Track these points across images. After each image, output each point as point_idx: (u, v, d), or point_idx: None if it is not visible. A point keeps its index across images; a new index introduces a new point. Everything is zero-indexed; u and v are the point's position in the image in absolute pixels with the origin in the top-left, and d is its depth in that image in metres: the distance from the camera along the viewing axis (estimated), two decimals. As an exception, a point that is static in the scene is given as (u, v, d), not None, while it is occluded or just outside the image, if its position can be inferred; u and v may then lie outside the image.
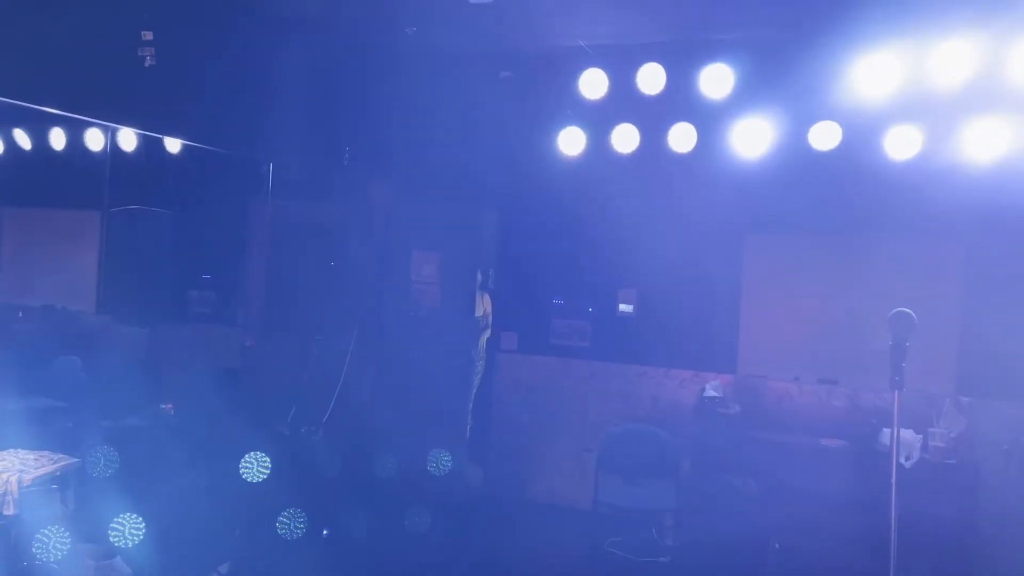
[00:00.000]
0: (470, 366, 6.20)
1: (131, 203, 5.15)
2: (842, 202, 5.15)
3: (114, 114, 4.65)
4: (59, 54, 4.24)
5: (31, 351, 6.45)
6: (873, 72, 4.60)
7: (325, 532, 4.70)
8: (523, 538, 5.48)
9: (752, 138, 5.08)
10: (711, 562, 4.83)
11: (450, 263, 6.36)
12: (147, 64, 4.29)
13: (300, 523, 4.51)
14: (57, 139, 6.36)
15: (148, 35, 4.33)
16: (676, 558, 5.01)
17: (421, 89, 5.85)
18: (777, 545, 4.53)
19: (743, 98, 5.00)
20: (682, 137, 5.27)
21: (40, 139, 6.51)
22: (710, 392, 5.21)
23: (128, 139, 5.75)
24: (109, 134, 5.34)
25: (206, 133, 5.08)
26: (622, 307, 5.89)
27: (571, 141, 5.57)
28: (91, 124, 5.57)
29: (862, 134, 4.84)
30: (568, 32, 5.16)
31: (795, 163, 5.04)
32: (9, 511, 3.38)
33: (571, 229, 5.91)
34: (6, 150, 6.86)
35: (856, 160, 4.88)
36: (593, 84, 5.33)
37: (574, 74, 5.36)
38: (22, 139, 6.72)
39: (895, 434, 2.62)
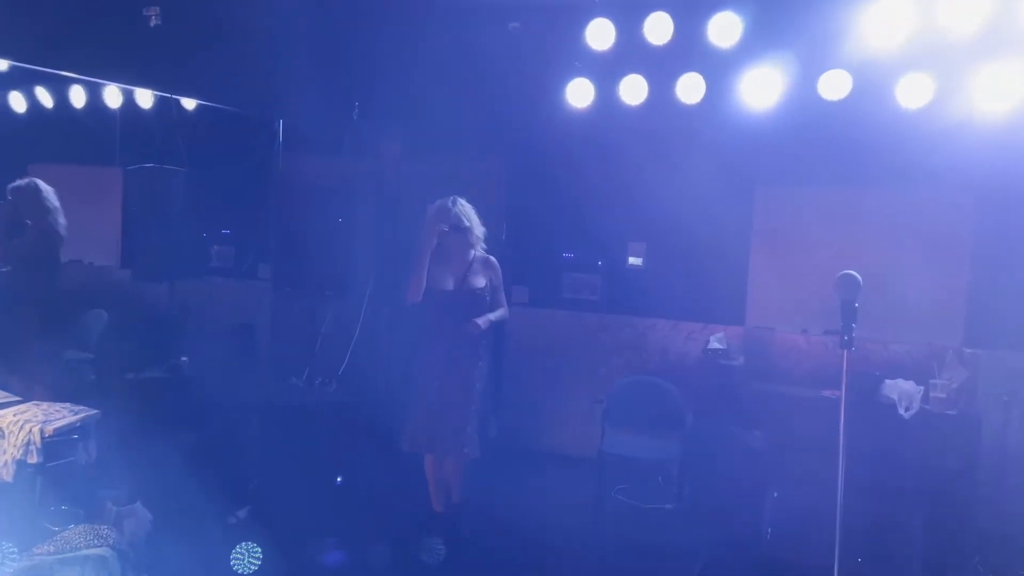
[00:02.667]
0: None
1: (146, 161, 5.25)
2: (852, 153, 5.09)
3: (125, 75, 4.71)
4: (69, 16, 4.30)
5: (60, 305, 6.68)
6: (884, 19, 4.50)
7: (339, 479, 4.87)
8: (534, 487, 5.62)
9: (761, 88, 5.01)
10: (715, 509, 4.93)
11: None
12: (152, 24, 4.33)
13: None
14: (75, 98, 6.49)
15: (154, -6, 4.38)
16: (681, 505, 5.11)
17: (429, 42, 5.83)
18: (773, 497, 4.60)
19: (752, 47, 4.92)
20: (690, 88, 5.22)
21: (60, 99, 6.64)
22: (714, 344, 5.25)
23: (141, 98, 5.86)
24: (123, 94, 5.44)
25: (216, 91, 5.15)
26: (632, 260, 5.92)
27: (579, 93, 5.54)
28: (104, 84, 5.67)
29: (873, 83, 4.75)
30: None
31: (805, 113, 4.98)
32: (33, 459, 3.57)
33: (581, 182, 5.91)
34: (29, 110, 7.02)
35: (867, 110, 4.81)
36: (600, 35, 5.28)
37: (581, 25, 5.31)
38: (44, 98, 6.87)
39: (843, 394, 2.66)
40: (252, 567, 3.75)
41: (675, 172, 5.52)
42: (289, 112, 5.68)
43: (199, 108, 5.57)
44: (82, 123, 6.66)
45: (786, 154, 5.24)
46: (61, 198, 7.95)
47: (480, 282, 4.24)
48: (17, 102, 7.07)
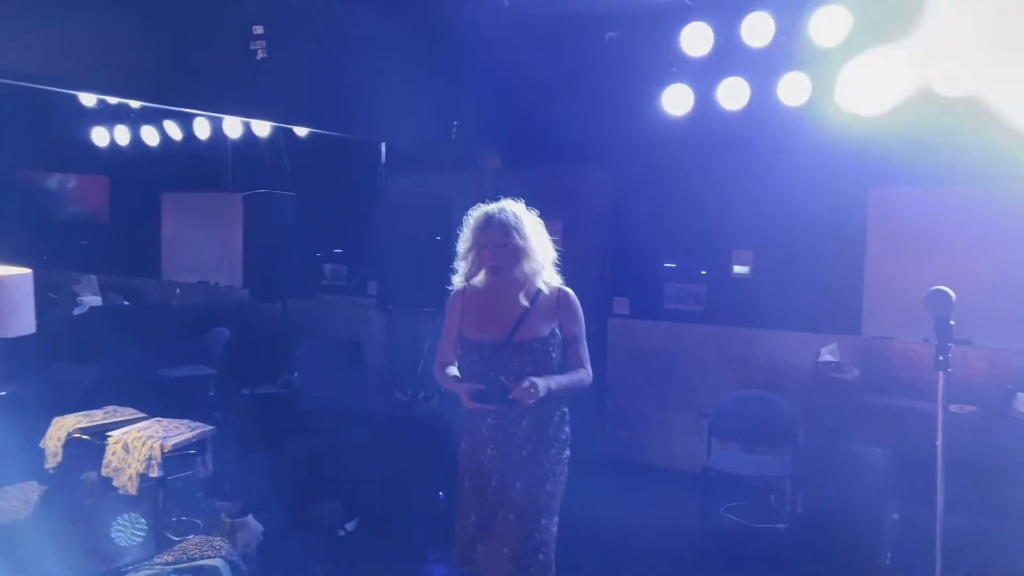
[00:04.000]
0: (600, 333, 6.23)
1: (259, 187, 5.52)
2: (978, 150, 4.73)
3: (237, 107, 4.98)
4: (186, 57, 4.57)
5: (188, 324, 7.15)
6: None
7: (441, 494, 4.94)
8: (640, 502, 5.52)
9: (871, 86, 4.74)
10: (830, 530, 4.67)
11: (572, 231, 6.39)
12: (259, 57, 4.55)
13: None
14: (199, 130, 6.93)
15: (259, 29, 4.60)
16: (794, 525, 4.88)
17: (525, 55, 5.87)
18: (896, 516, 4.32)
19: (859, 43, 4.67)
20: (794, 89, 5.01)
21: (187, 132, 7.10)
22: (825, 356, 4.99)
23: (256, 128, 6.19)
24: (241, 126, 5.75)
25: (320, 118, 5.35)
26: (737, 269, 5.73)
27: (677, 99, 5.42)
28: (218, 117, 6.02)
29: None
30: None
31: (921, 110, 4.66)
32: (154, 473, 3.81)
33: (682, 190, 5.77)
34: (160, 143, 7.54)
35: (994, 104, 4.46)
36: (697, 39, 5.15)
37: (676, 30, 5.20)
38: (173, 132, 7.37)
39: (940, 419, 2.46)
40: (133, 540, 3.83)
41: (781, 176, 5.31)
42: (390, 134, 5.84)
43: (306, 134, 5.81)
44: (205, 153, 7.10)
45: (902, 153, 4.93)
46: (191, 222, 8.53)
47: (542, 329, 2.80)
48: (150, 136, 7.62)
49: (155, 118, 7.36)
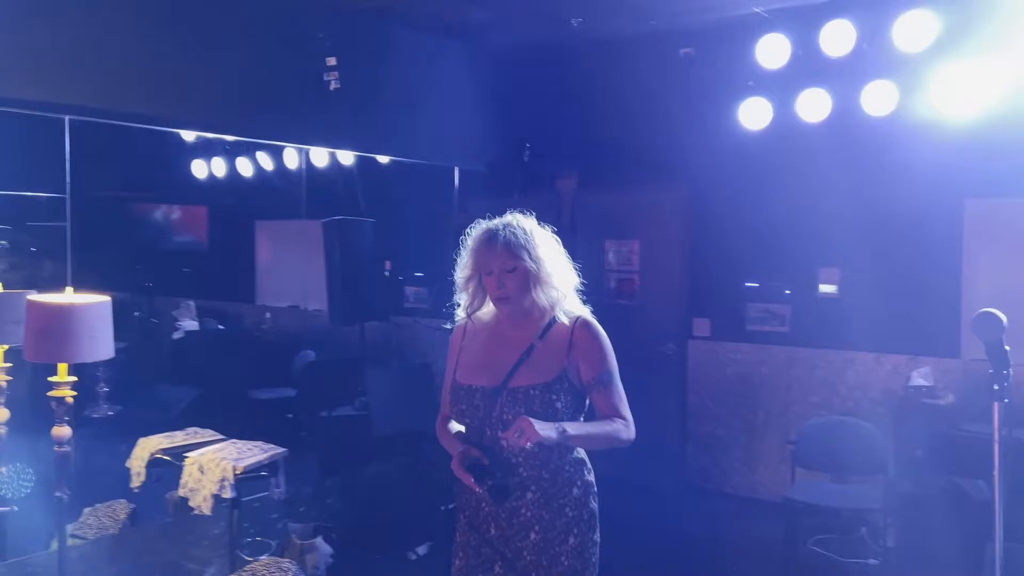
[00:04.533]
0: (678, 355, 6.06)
1: (343, 213, 5.67)
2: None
3: (312, 137, 5.14)
4: (264, 91, 4.74)
5: (278, 347, 7.39)
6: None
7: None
8: (723, 531, 5.30)
9: (963, 93, 4.46)
10: (928, 566, 4.36)
11: (650, 251, 6.28)
12: (332, 88, 4.67)
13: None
14: (288, 161, 7.19)
15: (332, 61, 4.73)
16: (886, 561, 4.58)
17: (597, 76, 5.83)
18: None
19: (948, 48, 4.41)
20: (879, 98, 4.77)
21: (277, 162, 7.38)
22: (917, 381, 4.68)
23: (329, 157, 6.37)
24: (303, 154, 5.94)
25: (394, 145, 5.45)
26: (823, 288, 5.45)
27: (755, 113, 5.25)
28: (304, 148, 6.22)
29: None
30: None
31: (1020, 117, 4.35)
32: (227, 494, 3.91)
33: (762, 206, 5.56)
34: (254, 173, 7.87)
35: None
36: (774, 51, 4.99)
37: (752, 43, 5.04)
38: (265, 163, 7.68)
39: (996, 454, 2.22)
40: (19, 492, 3.81)
41: (867, 190, 5.05)
42: (463, 158, 5.89)
43: (383, 161, 5.93)
44: (294, 182, 7.36)
45: (1001, 162, 4.60)
46: (282, 249, 8.83)
47: (546, 371, 2.19)
48: (244, 167, 7.97)
49: (248, 150, 7.69)
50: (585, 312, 2.32)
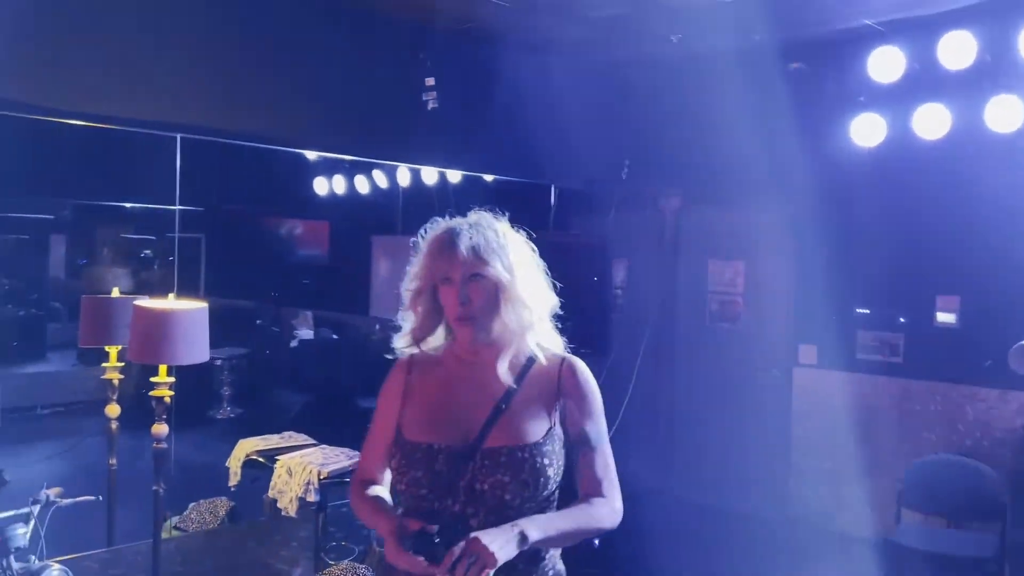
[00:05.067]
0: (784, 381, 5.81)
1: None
2: None
3: (412, 155, 5.29)
4: (370, 111, 4.93)
5: (383, 357, 7.62)
6: None
7: (596, 542, 4.80)
8: (824, 570, 5.01)
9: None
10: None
11: (754, 272, 6.06)
12: (430, 108, 4.80)
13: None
14: (401, 179, 7.44)
15: (430, 81, 4.86)
16: (1004, 618, 4.18)
17: (701, 92, 5.70)
18: None
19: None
20: (1004, 113, 4.41)
21: (390, 179, 7.65)
22: (1040, 421, 4.26)
23: (438, 175, 6.54)
24: (414, 172, 6.12)
25: (491, 163, 5.53)
26: (942, 317, 5.07)
27: (867, 130, 4.98)
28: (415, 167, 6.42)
29: None
30: (853, 11, 4.63)
31: None
32: (311, 498, 4.05)
33: (874, 228, 5.24)
34: (370, 190, 8.19)
35: None
36: (887, 64, 4.72)
37: (863, 56, 4.79)
38: (380, 181, 7.99)
39: None
40: None
41: (991, 212, 4.67)
42: (560, 175, 5.90)
43: (476, 180, 6.03)
44: (408, 198, 7.60)
45: None
46: (396, 263, 9.13)
47: (533, 426, 1.72)
48: (361, 184, 8.31)
49: (365, 168, 8.03)
50: (562, 347, 1.87)
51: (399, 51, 4.89)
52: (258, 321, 8.90)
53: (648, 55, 5.25)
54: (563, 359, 1.83)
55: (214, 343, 8.78)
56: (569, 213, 6.04)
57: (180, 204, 5.59)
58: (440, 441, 1.69)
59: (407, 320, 1.82)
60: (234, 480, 4.54)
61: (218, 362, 8.10)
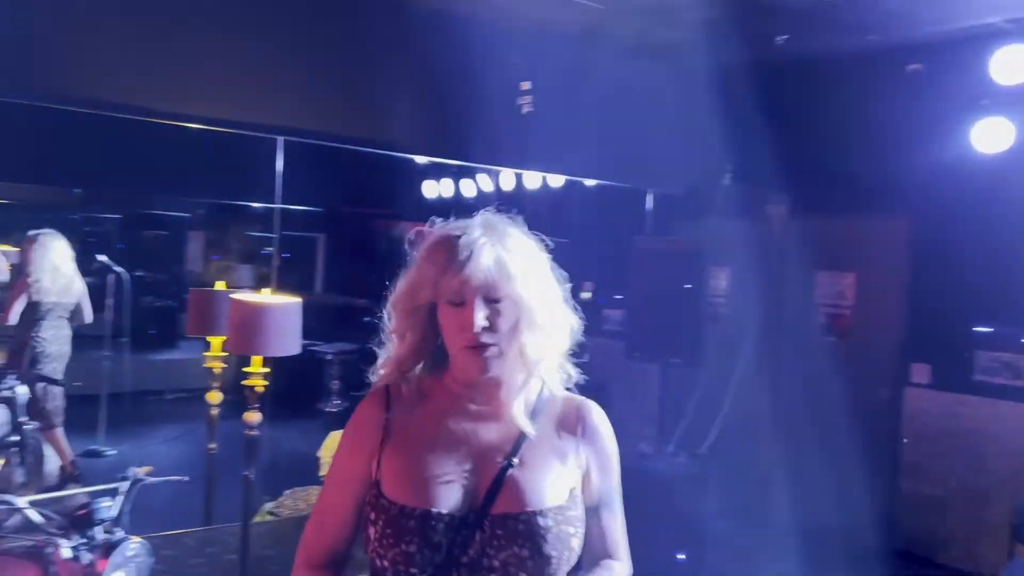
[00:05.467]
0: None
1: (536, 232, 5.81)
2: None
3: (507, 159, 5.32)
4: (466, 117, 5.01)
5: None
6: None
7: (681, 556, 4.68)
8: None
9: None
10: None
11: (866, 286, 5.76)
12: (524, 112, 4.83)
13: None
14: (504, 183, 7.51)
15: (525, 85, 4.89)
16: None
17: (809, 96, 5.47)
18: None
19: None
20: None
21: (495, 183, 7.74)
22: None
23: (542, 180, 6.55)
24: (518, 176, 6.15)
25: (587, 168, 5.50)
26: (1073, 338, 4.65)
27: (992, 135, 4.63)
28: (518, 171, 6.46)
29: None
30: (975, 8, 4.33)
31: None
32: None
33: (998, 240, 4.86)
34: (476, 194, 8.32)
35: None
36: (1013, 65, 4.38)
37: (986, 57, 4.46)
38: (485, 184, 8.10)
39: None
40: None
41: None
42: (657, 181, 5.79)
43: (576, 184, 6.01)
44: (512, 202, 7.65)
45: None
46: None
47: (553, 486, 1.40)
48: (467, 188, 8.46)
49: (470, 173, 8.16)
50: (575, 380, 1.52)
51: (497, 55, 4.92)
52: (365, 319, 9.19)
53: (752, 57, 5.08)
54: (580, 402, 1.51)
55: (326, 338, 9.13)
56: (667, 219, 5.92)
57: (289, 204, 5.85)
58: (438, 505, 1.33)
59: (392, 345, 1.46)
60: (323, 470, 4.71)
61: (329, 357, 8.42)
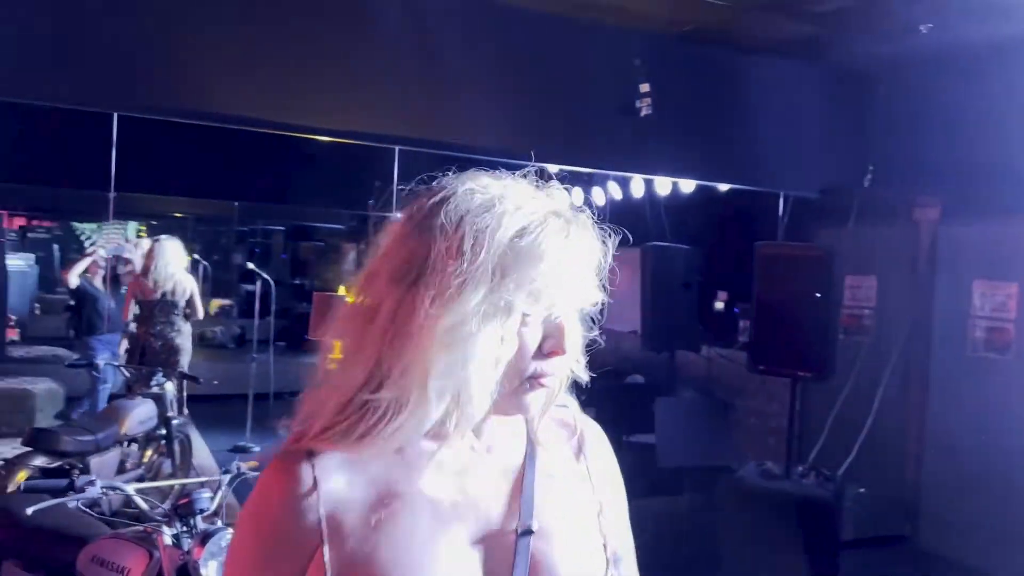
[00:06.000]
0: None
1: (672, 239, 5.70)
2: None
3: (629, 164, 5.22)
4: (582, 121, 4.96)
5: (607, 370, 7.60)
6: None
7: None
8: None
9: None
10: None
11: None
12: (642, 114, 4.72)
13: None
14: (634, 190, 7.38)
15: (645, 87, 4.77)
16: None
17: (956, 89, 5.01)
18: None
19: None
20: None
21: (624, 191, 7.62)
22: None
23: (672, 184, 6.36)
24: (648, 182, 6.01)
25: (714, 171, 5.30)
26: None
27: None
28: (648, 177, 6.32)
29: None
30: None
31: None
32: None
33: None
34: (606, 202, 8.21)
35: None
36: None
37: None
38: (614, 192, 7.99)
39: None
40: None
41: None
42: (790, 183, 5.47)
43: (704, 188, 5.80)
44: (637, 210, 7.52)
45: None
46: (627, 276, 9.12)
47: (588, 556, 1.00)
48: (598, 196, 8.38)
49: (600, 180, 8.08)
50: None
51: (615, 58, 4.84)
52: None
53: (892, 49, 4.71)
54: (571, 417, 1.09)
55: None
56: (801, 224, 5.58)
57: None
58: None
59: (440, 390, 0.90)
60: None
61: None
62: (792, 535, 4.28)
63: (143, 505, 2.47)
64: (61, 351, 7.74)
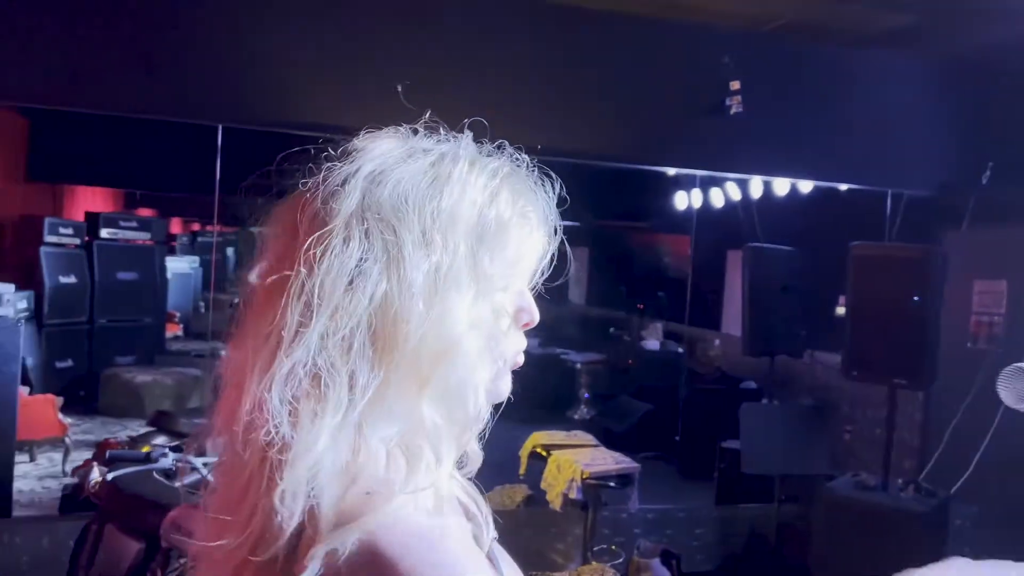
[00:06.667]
0: None
1: (768, 241, 5.55)
2: None
3: (724, 163, 5.13)
4: (670, 120, 4.93)
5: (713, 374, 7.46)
6: None
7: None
8: None
9: None
10: None
11: None
12: (732, 112, 4.64)
13: None
14: (753, 191, 7.19)
15: (735, 85, 4.68)
16: None
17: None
18: None
19: None
20: None
21: (743, 192, 7.44)
22: None
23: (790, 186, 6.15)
24: (767, 184, 5.84)
25: (818, 170, 5.11)
26: None
27: None
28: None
29: None
30: None
31: None
32: (572, 495, 4.18)
33: None
34: (724, 204, 8.06)
35: None
36: None
37: None
38: (732, 192, 7.82)
39: None
40: None
41: None
42: (898, 181, 5.17)
43: (816, 188, 5.59)
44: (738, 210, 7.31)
45: None
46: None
47: None
48: (716, 198, 8.22)
49: (719, 182, 7.91)
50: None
51: (708, 57, 4.75)
52: (611, 329, 9.29)
53: (1008, 33, 4.38)
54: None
55: (577, 347, 9.40)
56: (911, 224, 5.25)
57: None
58: None
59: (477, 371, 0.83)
60: (522, 469, 4.89)
61: (578, 365, 8.70)
62: (883, 551, 4.07)
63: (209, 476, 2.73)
64: (221, 345, 8.39)
